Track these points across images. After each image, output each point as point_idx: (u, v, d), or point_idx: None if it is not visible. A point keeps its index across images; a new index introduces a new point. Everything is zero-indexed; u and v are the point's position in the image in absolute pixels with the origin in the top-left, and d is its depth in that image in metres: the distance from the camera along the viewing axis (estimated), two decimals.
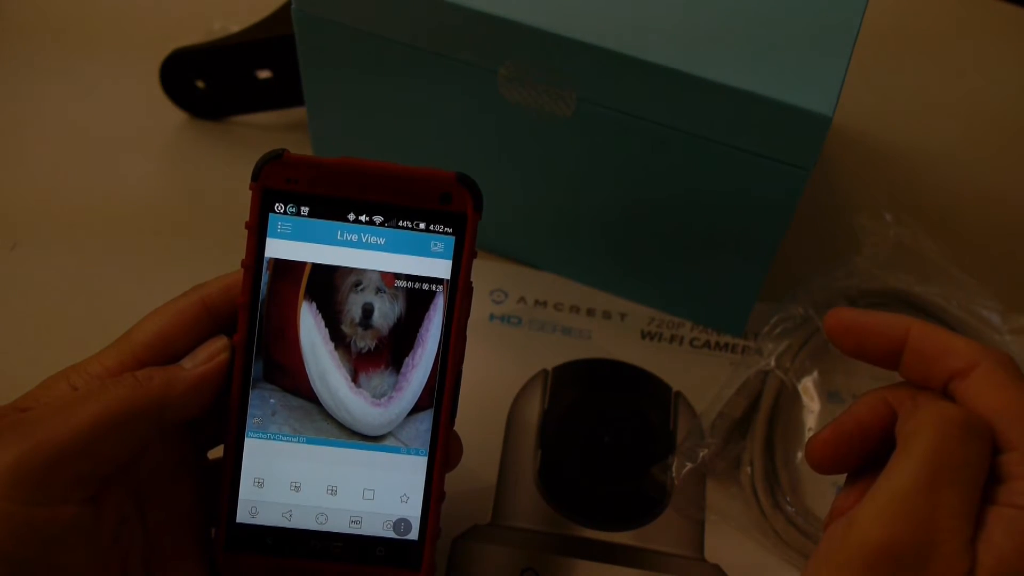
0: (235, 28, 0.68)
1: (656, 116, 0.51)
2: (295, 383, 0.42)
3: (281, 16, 0.66)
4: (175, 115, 0.70)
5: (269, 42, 0.65)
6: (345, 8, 0.54)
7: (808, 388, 0.60)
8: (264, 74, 0.67)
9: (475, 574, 0.52)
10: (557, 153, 0.56)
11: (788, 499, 0.55)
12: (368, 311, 0.42)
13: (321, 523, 0.42)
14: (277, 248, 0.42)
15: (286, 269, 0.42)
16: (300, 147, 0.51)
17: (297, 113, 0.69)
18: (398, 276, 0.42)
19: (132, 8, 0.77)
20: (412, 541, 0.42)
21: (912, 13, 0.81)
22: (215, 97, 0.69)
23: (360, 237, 0.42)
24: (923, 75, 0.78)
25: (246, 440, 0.42)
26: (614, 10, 0.51)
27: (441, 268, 0.42)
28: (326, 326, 0.42)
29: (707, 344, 0.62)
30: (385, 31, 0.54)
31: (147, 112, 0.70)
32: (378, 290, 0.42)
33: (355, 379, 0.42)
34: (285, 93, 0.68)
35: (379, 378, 0.42)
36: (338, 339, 0.42)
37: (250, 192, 0.41)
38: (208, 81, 0.68)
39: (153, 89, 0.69)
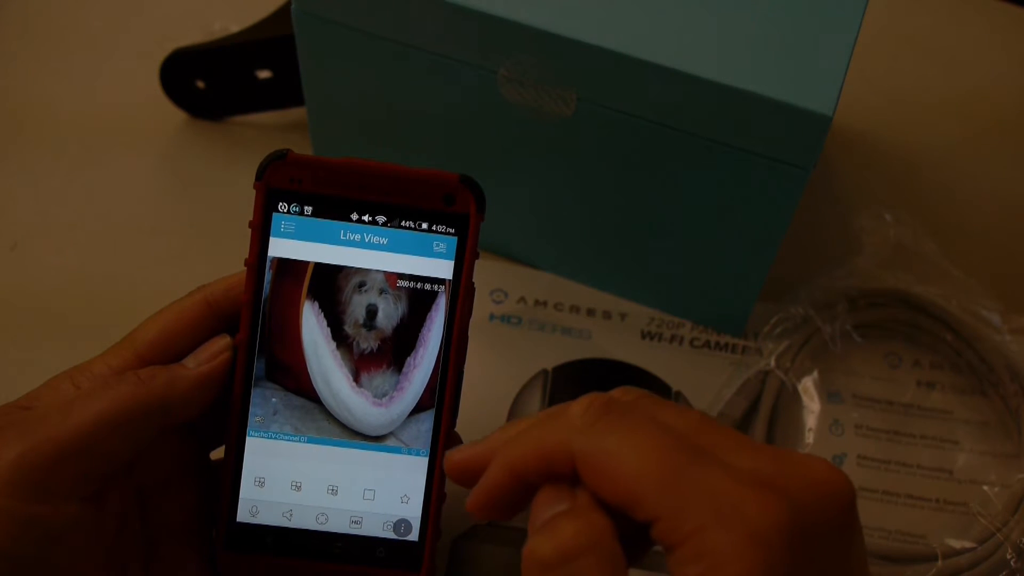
0: (235, 28, 0.68)
1: (656, 116, 0.51)
2: (297, 382, 0.42)
3: (281, 16, 0.66)
4: (175, 115, 0.70)
5: (269, 42, 0.65)
6: (345, 8, 0.54)
7: (808, 388, 0.60)
8: (264, 74, 0.67)
9: (475, 574, 0.52)
10: (557, 153, 0.56)
11: None
12: (372, 312, 0.42)
13: (321, 523, 0.42)
14: (280, 247, 0.42)
15: (289, 268, 0.42)
16: (300, 147, 0.51)
17: (297, 113, 0.69)
18: (401, 276, 0.42)
19: (132, 8, 0.77)
20: (412, 542, 0.43)
21: (912, 13, 0.81)
22: (215, 97, 0.69)
23: (363, 237, 0.42)
24: (923, 75, 0.78)
25: (247, 439, 0.42)
26: (614, 10, 0.51)
27: (443, 269, 0.42)
28: (328, 326, 0.42)
29: (707, 344, 0.62)
30: (385, 31, 0.54)
31: (147, 112, 0.70)
32: (381, 290, 0.42)
33: (357, 379, 0.42)
34: (285, 93, 0.68)
35: (381, 378, 0.42)
36: (340, 339, 0.42)
37: (254, 191, 0.41)
38: (208, 81, 0.68)
39: (153, 89, 0.69)
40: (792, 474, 0.32)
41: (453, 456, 0.38)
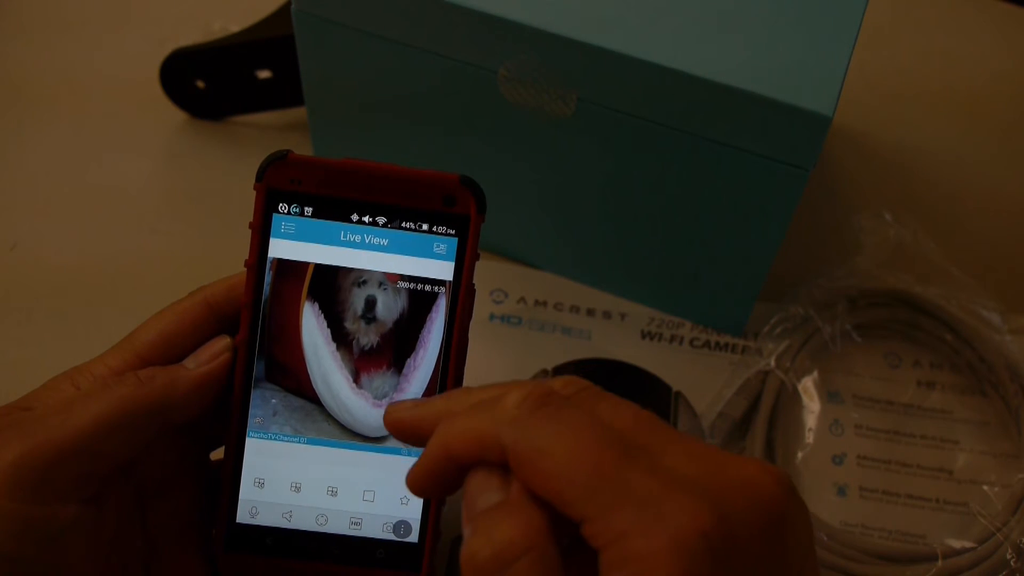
0: (235, 28, 0.68)
1: (656, 116, 0.51)
2: (297, 383, 0.42)
3: (281, 16, 0.66)
4: (175, 115, 0.70)
5: (269, 42, 0.65)
6: (345, 8, 0.54)
7: (808, 388, 0.60)
8: (264, 74, 0.67)
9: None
10: (557, 153, 0.56)
11: None
12: (371, 303, 0.42)
13: (321, 524, 0.42)
14: (280, 248, 0.42)
15: (289, 269, 0.42)
16: (300, 147, 0.51)
17: (297, 113, 0.69)
18: (401, 277, 0.42)
19: (132, 8, 0.77)
20: (412, 543, 0.42)
21: (912, 13, 0.81)
22: (215, 97, 0.69)
23: (363, 238, 0.42)
24: (923, 75, 0.78)
25: (247, 440, 0.42)
26: (614, 10, 0.51)
27: (444, 270, 0.42)
28: (328, 326, 0.42)
29: (707, 344, 0.62)
30: (385, 31, 0.54)
31: (147, 112, 0.70)
32: (381, 284, 0.42)
33: (357, 380, 0.42)
34: (285, 93, 0.68)
35: (381, 379, 0.42)
36: (340, 340, 0.42)
37: (254, 192, 0.41)
38: (208, 81, 0.68)
39: (153, 89, 0.69)
40: (722, 477, 0.32)
41: (394, 413, 0.38)
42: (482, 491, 0.34)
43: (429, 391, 0.42)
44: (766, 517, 0.32)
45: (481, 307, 0.62)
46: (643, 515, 0.30)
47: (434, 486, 0.36)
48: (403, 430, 0.38)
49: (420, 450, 0.42)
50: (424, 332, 0.42)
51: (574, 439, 0.32)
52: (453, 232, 0.42)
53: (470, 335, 0.43)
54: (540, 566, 0.31)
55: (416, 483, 0.36)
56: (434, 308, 0.42)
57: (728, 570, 0.30)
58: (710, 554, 0.30)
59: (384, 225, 0.42)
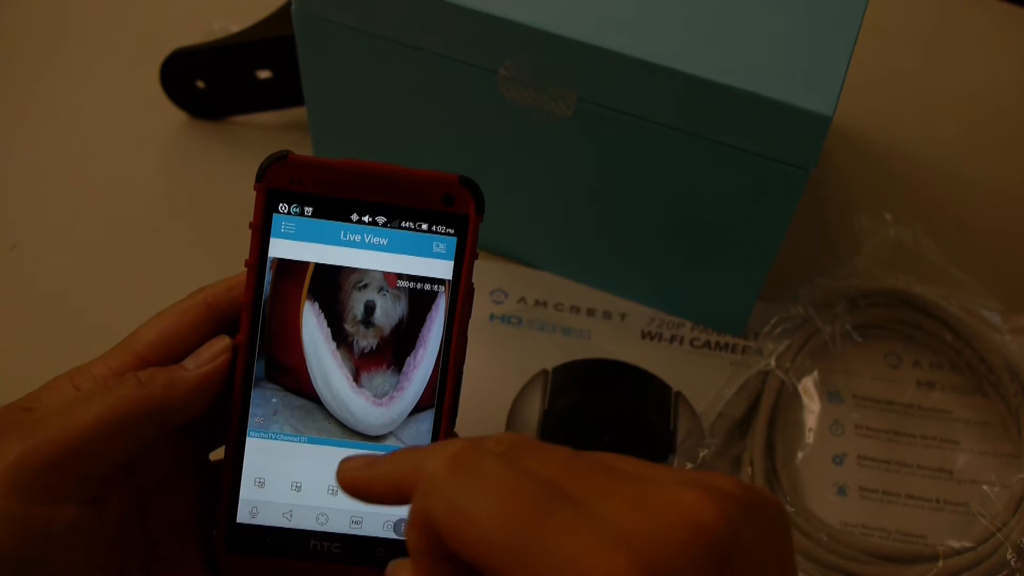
0: (235, 28, 0.68)
1: (656, 116, 0.52)
2: (297, 382, 0.42)
3: (281, 16, 0.66)
4: (175, 115, 0.70)
5: (269, 42, 0.65)
6: (345, 8, 0.54)
7: (808, 388, 0.60)
8: (264, 74, 0.67)
9: None
10: (557, 153, 0.56)
11: (788, 499, 0.55)
12: (370, 309, 0.42)
13: (322, 523, 0.42)
14: (281, 248, 0.42)
15: (289, 269, 0.42)
16: (300, 147, 0.51)
17: (297, 113, 0.69)
18: (400, 276, 0.42)
19: (132, 8, 0.77)
20: None
21: (912, 13, 0.81)
22: (215, 97, 0.69)
23: (363, 237, 0.42)
24: (923, 75, 0.78)
25: (247, 440, 0.42)
26: (614, 10, 0.51)
27: (443, 269, 0.42)
28: (328, 325, 0.42)
29: (707, 344, 0.62)
30: (385, 31, 0.54)
31: (147, 112, 0.70)
32: (380, 290, 0.42)
33: (357, 379, 0.42)
34: (285, 93, 0.68)
35: (381, 378, 0.42)
36: (340, 339, 0.42)
37: (254, 192, 0.41)
38: (208, 81, 0.68)
39: (153, 89, 0.69)
40: (654, 521, 0.30)
41: (346, 472, 0.37)
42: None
43: (429, 390, 0.42)
44: (704, 555, 0.30)
45: (481, 307, 0.62)
46: None
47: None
48: (354, 492, 0.37)
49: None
50: (424, 331, 0.42)
51: (496, 501, 0.31)
52: (452, 232, 0.42)
53: (470, 335, 0.43)
54: None
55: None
56: (434, 307, 0.42)
57: None
58: None
59: (384, 225, 0.42)
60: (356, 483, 0.36)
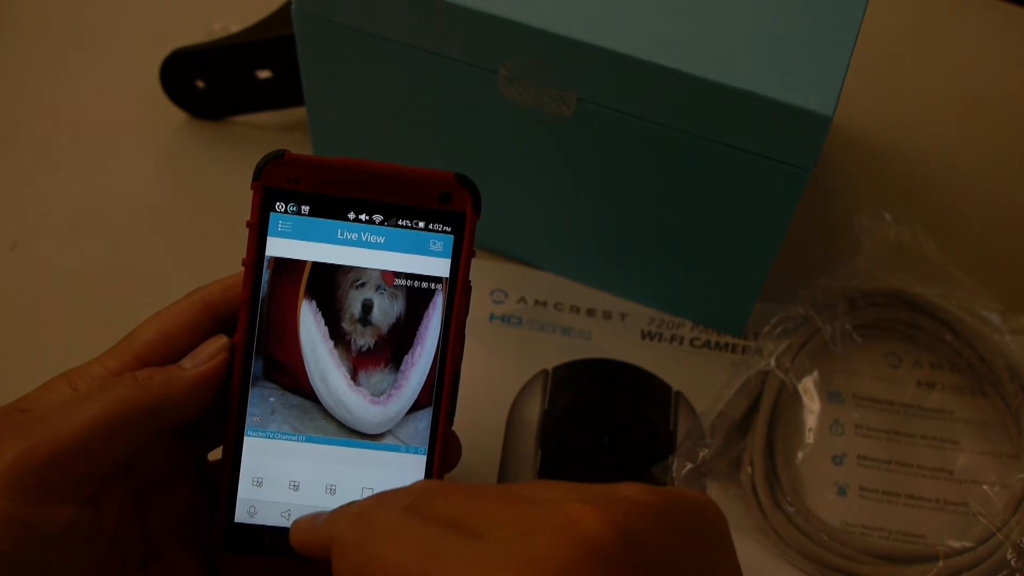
0: (235, 28, 0.68)
1: (656, 116, 0.51)
2: (295, 381, 0.42)
3: (281, 16, 0.66)
4: (175, 115, 0.70)
5: (269, 42, 0.65)
6: (345, 8, 0.54)
7: (808, 388, 0.60)
8: (264, 74, 0.67)
9: None
10: (557, 153, 0.56)
11: (788, 499, 0.55)
12: (368, 307, 0.42)
13: None
14: (278, 247, 0.42)
15: (286, 268, 0.42)
16: (300, 147, 0.51)
17: (297, 113, 0.69)
18: (398, 275, 0.42)
19: (132, 8, 0.77)
20: None
21: (912, 13, 0.81)
22: (215, 97, 0.69)
23: (360, 236, 0.42)
24: (923, 75, 0.78)
25: (245, 439, 0.42)
26: (614, 10, 0.51)
27: (440, 267, 0.42)
28: (326, 324, 0.42)
29: (707, 344, 0.62)
30: (385, 31, 0.54)
31: (147, 112, 0.70)
32: (378, 288, 0.42)
33: (354, 377, 0.42)
34: (285, 93, 0.68)
35: (378, 376, 0.42)
36: (338, 337, 0.42)
37: (251, 192, 0.42)
38: (208, 81, 0.68)
39: (153, 89, 0.69)
40: (540, 543, 0.31)
41: (296, 534, 0.39)
42: None
43: (427, 388, 0.42)
44: (591, 567, 0.30)
45: (481, 307, 0.62)
46: None
47: None
48: (305, 553, 0.39)
49: (420, 447, 0.42)
50: (421, 329, 0.42)
51: (392, 552, 0.32)
52: (449, 230, 0.42)
53: (470, 335, 0.43)
54: None
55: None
56: (431, 305, 0.42)
57: None
58: None
59: (381, 223, 0.42)
60: (301, 545, 0.39)
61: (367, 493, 0.42)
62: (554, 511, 0.32)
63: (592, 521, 0.31)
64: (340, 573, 0.34)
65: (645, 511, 0.32)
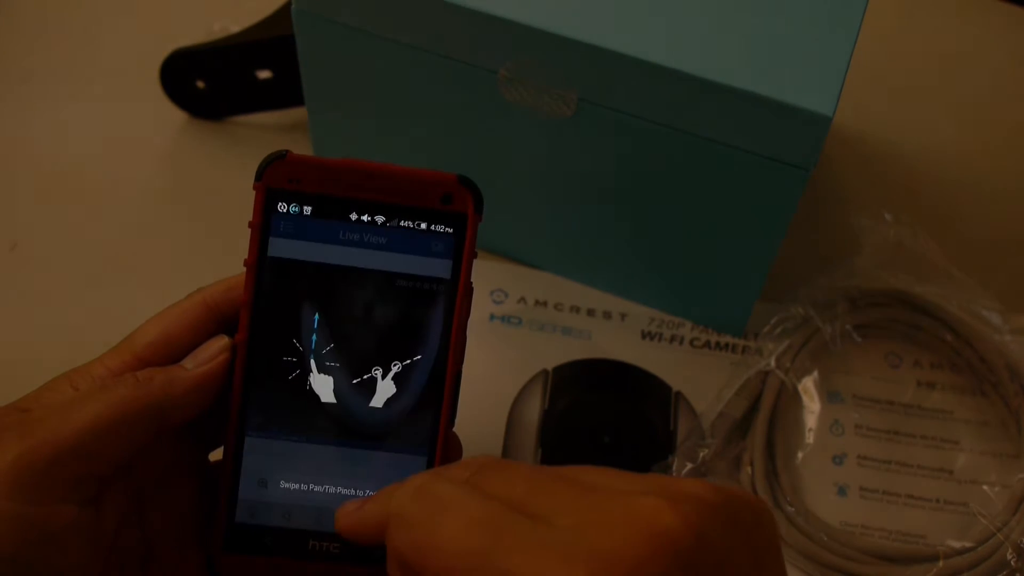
0: (235, 28, 0.68)
1: (656, 116, 0.51)
2: (296, 382, 0.42)
3: (281, 16, 0.66)
4: (175, 115, 0.70)
5: (269, 42, 0.65)
6: (345, 8, 0.54)
7: (808, 388, 0.60)
8: (264, 74, 0.67)
9: None
10: (557, 153, 0.56)
11: (788, 499, 0.55)
12: (369, 308, 0.42)
13: (320, 523, 0.42)
14: (280, 247, 0.42)
15: (288, 268, 0.42)
16: (300, 147, 0.51)
17: (297, 113, 0.69)
18: (399, 275, 0.42)
19: (132, 8, 0.77)
20: None
21: (912, 13, 0.81)
22: (215, 97, 0.69)
23: (362, 236, 0.42)
24: (923, 75, 0.78)
25: (246, 440, 0.42)
26: (614, 10, 0.51)
27: (442, 268, 0.42)
28: (327, 325, 0.42)
29: (707, 344, 0.62)
30: (385, 31, 0.54)
31: (147, 112, 0.70)
32: (379, 289, 0.42)
33: (355, 378, 0.42)
34: (285, 93, 0.68)
35: (379, 377, 0.42)
36: (339, 338, 0.42)
37: (253, 192, 0.42)
38: (208, 81, 0.68)
39: (153, 89, 0.69)
40: (614, 532, 0.30)
41: (341, 520, 0.38)
42: None
43: (428, 389, 0.42)
44: (664, 565, 0.30)
45: (481, 307, 0.62)
46: None
47: None
48: (353, 537, 0.38)
49: (421, 448, 0.42)
50: (423, 330, 0.42)
51: (455, 530, 0.31)
52: (451, 231, 0.42)
53: (470, 335, 0.43)
54: None
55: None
56: (432, 306, 0.42)
57: None
58: None
59: (383, 224, 0.42)
60: (351, 529, 0.37)
61: (368, 494, 0.42)
62: (626, 503, 0.31)
63: (668, 517, 0.30)
64: (399, 549, 0.33)
65: (714, 511, 0.31)
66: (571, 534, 0.30)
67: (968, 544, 0.54)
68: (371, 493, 0.42)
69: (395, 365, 0.42)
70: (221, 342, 0.41)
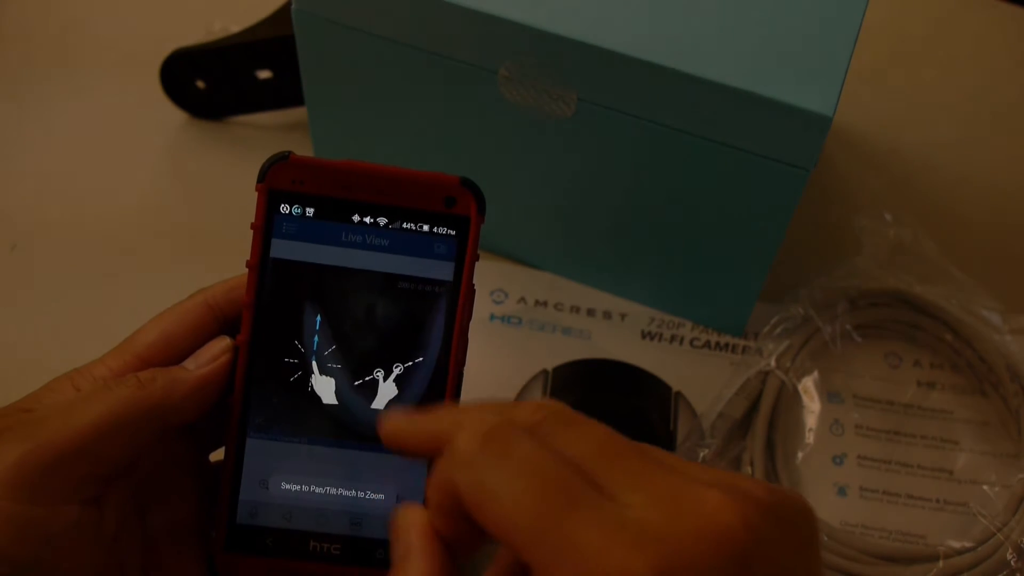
0: (235, 28, 0.68)
1: (656, 116, 0.51)
2: (297, 383, 0.42)
3: (281, 16, 0.66)
4: (175, 115, 0.70)
5: (269, 42, 0.65)
6: (345, 8, 0.54)
7: (808, 388, 0.60)
8: (264, 74, 0.67)
9: (475, 574, 0.52)
10: (557, 153, 0.56)
11: None
12: (371, 309, 0.42)
13: (321, 524, 0.42)
14: (282, 249, 0.42)
15: (290, 269, 0.42)
16: (300, 147, 0.51)
17: (297, 113, 0.69)
18: (401, 277, 0.42)
19: (132, 8, 0.77)
20: None
21: (912, 13, 0.81)
22: (215, 97, 0.69)
23: (364, 238, 0.42)
24: (923, 75, 0.78)
25: (247, 440, 0.42)
26: (614, 10, 0.51)
27: (444, 270, 0.42)
28: (329, 326, 0.42)
29: (707, 344, 0.62)
30: (385, 31, 0.54)
31: (147, 112, 0.70)
32: (381, 290, 0.42)
33: (357, 379, 0.42)
34: (285, 93, 0.68)
35: (381, 379, 0.42)
36: (341, 339, 0.42)
37: (256, 193, 0.42)
38: (208, 81, 0.68)
39: (153, 89, 0.69)
40: (676, 519, 0.30)
41: (387, 425, 0.36)
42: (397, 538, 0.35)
43: (429, 391, 0.42)
44: (723, 562, 0.29)
45: (481, 307, 0.62)
46: (580, 571, 0.29)
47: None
48: (393, 443, 0.36)
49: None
50: (425, 332, 0.42)
51: (522, 485, 0.30)
52: (453, 233, 0.42)
53: (470, 335, 0.43)
54: None
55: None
56: (434, 308, 0.42)
57: None
58: None
59: (385, 226, 0.42)
60: (396, 435, 0.36)
61: (369, 496, 0.42)
62: (695, 493, 0.30)
63: (730, 515, 0.30)
64: (457, 482, 0.32)
65: (768, 513, 0.31)
66: (637, 514, 0.30)
67: (968, 544, 0.54)
68: (372, 495, 0.42)
69: (397, 367, 0.42)
70: (223, 343, 0.41)
